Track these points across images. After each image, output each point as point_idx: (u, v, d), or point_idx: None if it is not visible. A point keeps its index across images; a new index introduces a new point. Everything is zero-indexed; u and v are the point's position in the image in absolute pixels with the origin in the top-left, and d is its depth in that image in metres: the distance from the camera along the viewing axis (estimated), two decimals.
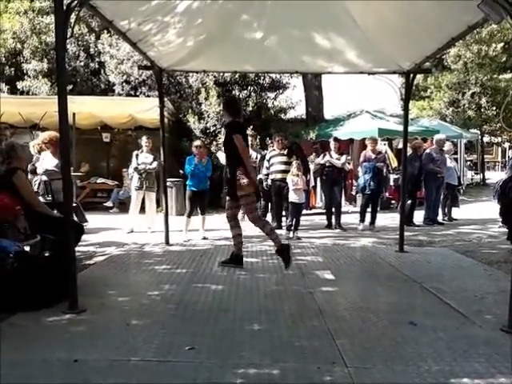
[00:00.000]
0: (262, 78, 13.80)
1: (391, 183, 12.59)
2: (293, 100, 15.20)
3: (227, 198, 5.95)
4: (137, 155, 8.55)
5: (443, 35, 5.23)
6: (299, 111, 16.72)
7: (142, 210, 8.65)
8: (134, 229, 8.44)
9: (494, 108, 18.11)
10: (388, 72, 6.94)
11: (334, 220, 9.11)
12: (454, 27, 4.96)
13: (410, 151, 9.79)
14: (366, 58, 6.56)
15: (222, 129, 12.72)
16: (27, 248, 4.53)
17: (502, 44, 19.75)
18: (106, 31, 13.84)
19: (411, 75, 6.64)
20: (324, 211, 9.76)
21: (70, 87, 13.15)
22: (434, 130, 14.19)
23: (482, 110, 18.77)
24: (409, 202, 9.57)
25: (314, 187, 11.54)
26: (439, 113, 19.21)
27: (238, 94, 13.18)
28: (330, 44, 6.35)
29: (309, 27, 6.06)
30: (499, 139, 18.63)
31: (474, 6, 3.81)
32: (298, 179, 8.02)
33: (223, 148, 6.05)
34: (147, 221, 8.61)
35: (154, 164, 8.47)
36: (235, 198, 5.67)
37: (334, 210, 9.12)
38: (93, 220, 8.83)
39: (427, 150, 9.96)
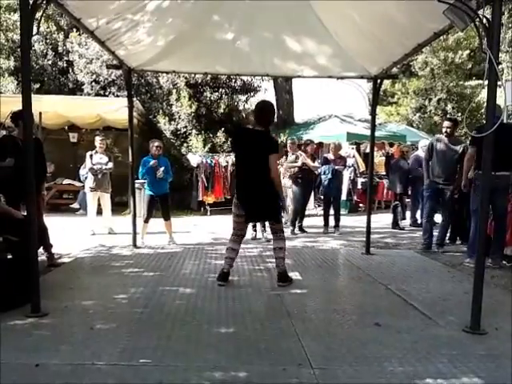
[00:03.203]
0: (234, 80, 13.83)
1: (359, 186, 12.78)
2: None
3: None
4: (91, 156, 8.47)
5: (410, 41, 5.33)
6: None
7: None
8: (95, 231, 8.38)
9: (460, 114, 18.61)
10: (356, 77, 7.03)
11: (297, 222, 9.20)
12: (421, 34, 5.06)
13: (396, 156, 10.01)
14: (334, 63, 6.64)
15: (193, 131, 12.69)
16: None
17: (467, 51, 20.34)
18: (74, 30, 13.63)
19: (378, 80, 6.76)
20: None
21: (37, 86, 12.91)
22: (401, 135, 14.50)
23: (448, 115, 19.26)
24: (395, 203, 9.78)
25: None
26: (406, 118, 19.63)
27: (209, 96, 13.16)
28: (301, 47, 6.40)
29: (280, 30, 6.10)
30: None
31: (439, 13, 3.90)
32: None
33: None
34: (105, 223, 8.61)
35: (110, 164, 8.43)
36: None
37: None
38: (59, 222, 8.67)
39: (415, 153, 10.08)
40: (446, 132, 7.16)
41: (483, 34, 3.72)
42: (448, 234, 7.67)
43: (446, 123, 7.29)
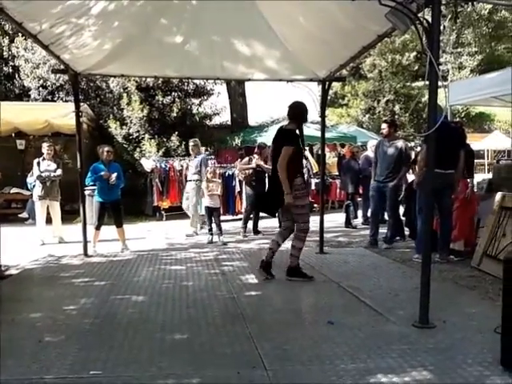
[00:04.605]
0: (186, 84, 13.74)
1: (313, 187, 12.95)
2: (217, 106, 15.27)
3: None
4: (38, 163, 8.26)
5: (355, 44, 5.47)
6: (224, 117, 16.84)
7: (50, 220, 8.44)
8: (44, 240, 8.15)
9: (408, 114, 19.22)
10: (305, 80, 7.12)
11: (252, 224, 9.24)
12: (365, 36, 5.20)
13: (347, 156, 10.26)
14: (284, 66, 6.72)
15: (146, 135, 12.49)
16: None
17: (414, 53, 21.02)
18: (20, 34, 13.17)
19: (327, 83, 6.88)
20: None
21: None
22: (351, 136, 14.82)
23: (396, 116, 19.83)
24: (348, 203, 9.97)
25: (240, 192, 11.59)
26: (356, 119, 20.11)
27: (161, 99, 13.01)
28: (250, 51, 6.45)
29: (228, 33, 6.13)
30: (412, 144, 19.97)
31: (382, 17, 4.01)
32: (213, 184, 8.25)
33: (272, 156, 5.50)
34: (54, 232, 8.40)
35: (58, 171, 8.23)
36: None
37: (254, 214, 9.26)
38: (7, 232, 8.35)
39: (365, 153, 10.30)
40: (382, 133, 7.72)
41: (424, 36, 3.85)
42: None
43: (382, 125, 7.77)
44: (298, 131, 5.32)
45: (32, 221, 10.53)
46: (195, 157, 9.09)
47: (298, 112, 5.35)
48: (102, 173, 7.03)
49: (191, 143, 9.39)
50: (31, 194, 9.48)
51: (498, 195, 5.95)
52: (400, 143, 7.39)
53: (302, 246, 5.40)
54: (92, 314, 4.14)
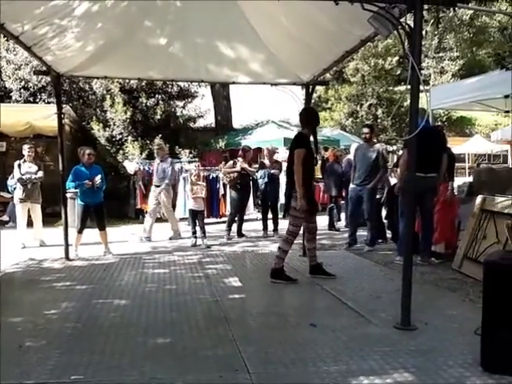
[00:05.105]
0: (170, 86, 13.67)
1: None
2: (202, 109, 15.22)
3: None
4: (19, 165, 8.15)
5: (338, 48, 5.52)
6: (208, 120, 16.79)
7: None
8: (25, 244, 8.05)
9: (390, 119, 19.40)
10: (289, 83, 7.16)
11: (236, 227, 9.24)
12: (348, 41, 5.25)
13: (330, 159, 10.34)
14: (268, 69, 6.75)
15: (129, 137, 12.39)
16: None
17: (396, 58, 21.24)
18: (2, 35, 12.99)
19: (311, 87, 6.93)
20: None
21: None
22: (334, 140, 14.93)
23: (379, 120, 20.00)
24: (331, 206, 10.02)
25: (224, 195, 11.58)
26: (339, 123, 20.24)
27: (145, 101, 12.94)
28: (234, 53, 6.46)
29: (212, 36, 6.13)
30: (394, 148, 20.21)
31: (365, 21, 4.05)
32: (198, 187, 8.26)
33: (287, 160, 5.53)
34: (36, 235, 8.30)
35: (40, 174, 8.14)
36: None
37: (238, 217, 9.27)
38: None
39: (348, 157, 10.35)
40: (364, 137, 7.78)
41: (406, 41, 3.90)
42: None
43: (365, 130, 7.83)
44: (311, 136, 5.49)
45: (13, 224, 10.34)
46: (161, 160, 9.00)
47: (309, 117, 5.54)
48: (85, 181, 6.94)
49: (156, 146, 9.33)
50: (12, 197, 9.34)
51: (479, 198, 6.03)
52: (377, 146, 7.49)
53: (288, 248, 5.45)
54: (73, 319, 4.10)
